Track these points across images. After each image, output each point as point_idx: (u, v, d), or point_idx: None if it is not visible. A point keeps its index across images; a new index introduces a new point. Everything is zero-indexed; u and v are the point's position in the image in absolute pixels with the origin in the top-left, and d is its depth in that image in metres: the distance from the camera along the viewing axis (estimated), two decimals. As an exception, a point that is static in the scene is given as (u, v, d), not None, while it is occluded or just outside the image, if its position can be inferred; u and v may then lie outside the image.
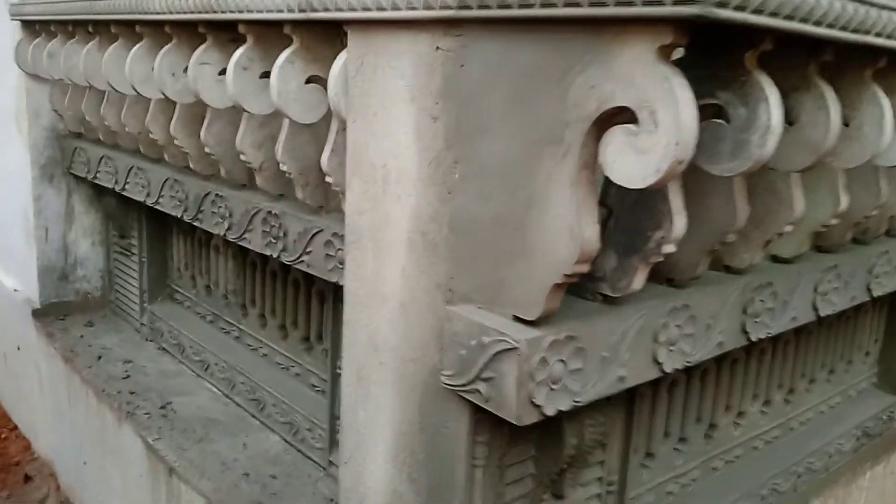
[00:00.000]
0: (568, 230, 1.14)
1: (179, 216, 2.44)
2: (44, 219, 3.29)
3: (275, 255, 1.98)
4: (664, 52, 1.02)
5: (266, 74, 1.80)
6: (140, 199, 2.68)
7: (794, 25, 1.09)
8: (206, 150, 2.19)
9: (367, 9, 1.38)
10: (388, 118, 1.40)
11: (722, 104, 1.20)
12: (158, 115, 2.43)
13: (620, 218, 1.33)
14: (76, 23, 2.76)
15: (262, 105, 1.86)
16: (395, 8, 1.32)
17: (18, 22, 3.16)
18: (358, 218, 1.51)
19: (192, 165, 2.36)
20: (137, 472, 2.50)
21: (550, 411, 1.22)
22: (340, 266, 1.68)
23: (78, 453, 3.06)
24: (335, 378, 2.13)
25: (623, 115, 1.06)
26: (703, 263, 1.49)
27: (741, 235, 1.49)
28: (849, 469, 2.39)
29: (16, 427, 3.82)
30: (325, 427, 2.18)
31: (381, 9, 1.35)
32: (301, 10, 1.56)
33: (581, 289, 1.36)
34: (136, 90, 2.35)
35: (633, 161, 1.04)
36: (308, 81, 1.73)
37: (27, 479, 3.44)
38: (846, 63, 1.39)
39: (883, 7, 1.24)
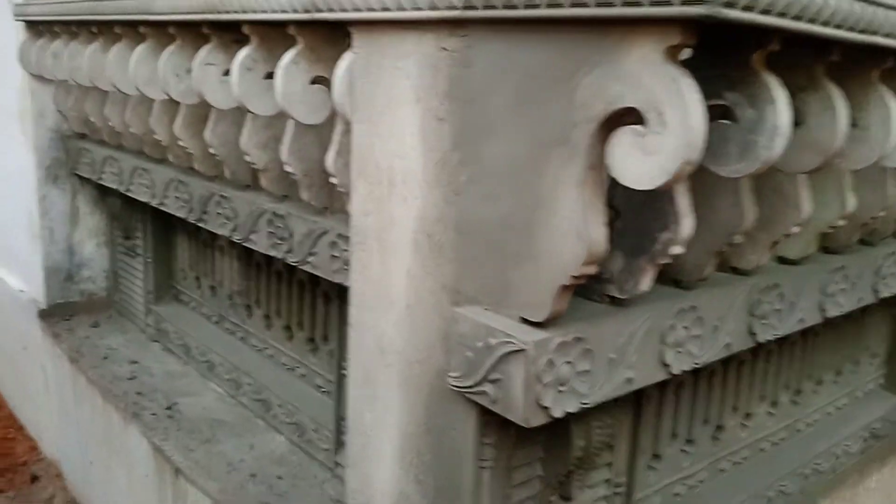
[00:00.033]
0: (575, 231, 1.13)
1: (184, 217, 2.44)
2: (49, 220, 3.29)
3: (280, 257, 1.98)
4: (672, 53, 1.01)
5: (270, 75, 1.79)
6: (145, 199, 2.68)
7: (802, 26, 1.08)
8: (211, 150, 2.19)
9: (371, 9, 1.37)
10: (394, 119, 1.40)
11: (729, 105, 1.19)
12: (162, 115, 2.43)
13: (627, 219, 1.32)
14: (80, 23, 2.76)
15: (267, 106, 1.86)
16: (401, 8, 1.32)
17: (22, 22, 3.16)
18: (363, 219, 1.50)
19: (196, 166, 2.35)
20: (144, 473, 2.50)
21: (558, 413, 1.22)
22: (346, 267, 1.67)
23: (84, 453, 3.06)
24: (341, 379, 2.13)
25: (630, 116, 1.05)
26: (710, 265, 1.48)
27: (748, 237, 1.49)
28: (856, 471, 2.38)
29: (22, 427, 3.83)
30: (331, 428, 2.17)
31: (386, 9, 1.34)
32: (306, 11, 1.56)
33: (588, 290, 1.36)
34: (140, 91, 2.35)
35: (640, 162, 1.04)
36: (313, 82, 1.73)
37: (34, 479, 3.45)
38: (853, 64, 1.38)
39: (890, 8, 1.24)
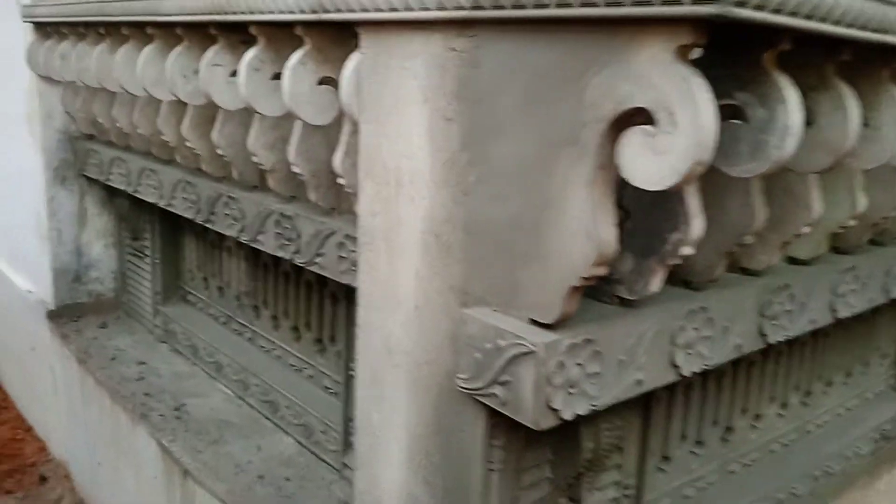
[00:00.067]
0: (585, 232, 1.13)
1: (192, 218, 2.44)
2: (57, 221, 3.30)
3: (287, 258, 1.98)
4: (682, 52, 1.00)
5: (278, 76, 1.79)
6: (153, 200, 2.68)
7: (814, 25, 1.07)
8: (218, 151, 2.19)
9: (379, 10, 1.37)
10: (402, 119, 1.39)
11: (740, 105, 1.18)
12: (170, 116, 2.43)
13: (637, 220, 1.31)
14: (88, 24, 2.77)
15: (274, 106, 1.85)
16: (408, 9, 1.31)
17: (30, 24, 3.17)
18: (371, 219, 1.50)
19: (204, 167, 2.35)
20: (152, 474, 2.50)
21: (568, 415, 1.21)
22: (353, 268, 1.67)
23: (92, 454, 3.07)
24: (349, 380, 2.12)
25: (640, 116, 1.04)
26: (720, 265, 1.47)
27: (758, 237, 1.47)
28: (866, 472, 2.36)
29: (31, 428, 3.84)
30: (339, 429, 2.17)
31: (394, 9, 1.34)
32: (313, 12, 1.56)
33: (597, 291, 1.35)
34: (147, 92, 2.36)
35: (651, 163, 1.03)
36: (320, 83, 1.73)
37: (42, 479, 3.46)
38: (865, 63, 1.37)
39: (903, 6, 1.23)
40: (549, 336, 1.18)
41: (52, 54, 2.99)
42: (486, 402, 1.27)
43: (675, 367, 1.40)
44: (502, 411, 1.24)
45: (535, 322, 1.22)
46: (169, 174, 2.55)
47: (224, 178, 2.32)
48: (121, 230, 3.42)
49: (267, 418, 2.49)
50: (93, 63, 2.66)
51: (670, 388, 1.76)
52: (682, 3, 0.96)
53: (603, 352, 1.25)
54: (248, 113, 2.00)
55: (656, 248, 1.29)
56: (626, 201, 1.33)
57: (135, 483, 2.68)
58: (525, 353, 1.18)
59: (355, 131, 1.56)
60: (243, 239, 2.16)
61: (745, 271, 1.60)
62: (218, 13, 1.89)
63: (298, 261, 1.94)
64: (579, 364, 1.21)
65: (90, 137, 3.18)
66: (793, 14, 1.03)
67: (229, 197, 2.21)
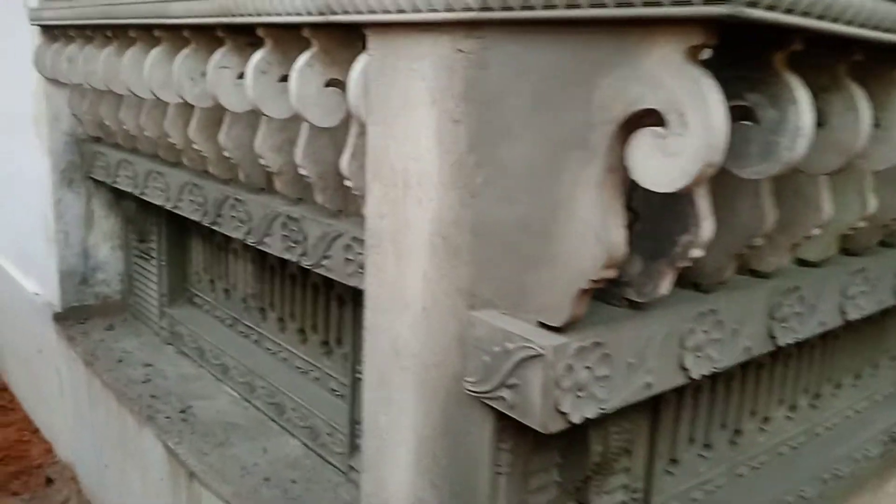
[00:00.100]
0: (594, 234, 1.12)
1: (199, 220, 2.44)
2: (64, 223, 3.30)
3: (294, 260, 1.97)
4: (693, 53, 0.99)
5: (285, 78, 1.79)
6: (159, 203, 2.68)
7: (826, 25, 1.07)
8: (225, 154, 2.19)
9: (386, 11, 1.37)
10: (409, 121, 1.39)
11: (751, 106, 1.17)
12: (177, 119, 2.43)
13: (646, 222, 1.30)
14: (95, 27, 2.77)
15: (281, 109, 1.85)
16: (416, 10, 1.30)
17: (38, 27, 3.17)
18: (378, 221, 1.49)
19: (210, 169, 2.35)
20: (158, 476, 2.50)
21: (576, 419, 1.20)
22: (360, 270, 1.67)
23: (99, 456, 3.07)
24: (355, 382, 2.12)
25: (651, 118, 1.04)
26: (729, 267, 1.46)
27: (768, 239, 1.47)
28: (876, 475, 2.35)
29: (37, 430, 3.85)
30: (346, 432, 2.17)
31: (402, 11, 1.33)
32: (320, 13, 1.55)
33: (606, 293, 1.34)
34: (154, 94, 2.36)
35: (661, 164, 1.02)
36: (327, 85, 1.72)
37: (49, 481, 3.46)
38: (875, 63, 1.36)
39: (916, 6, 1.22)
40: (558, 339, 1.18)
41: (59, 57, 3.00)
42: (494, 406, 1.26)
43: (685, 369, 1.39)
44: (510, 414, 1.24)
45: (543, 325, 1.21)
46: (176, 176, 2.55)
47: (231, 181, 2.32)
48: (128, 232, 3.42)
49: (273, 420, 2.48)
50: (100, 66, 2.66)
51: (678, 391, 1.75)
52: (692, 4, 0.95)
53: (612, 354, 1.24)
54: (255, 115, 2.00)
55: (666, 250, 1.28)
56: (635, 203, 1.33)
57: (141, 485, 2.68)
58: (533, 356, 1.17)
59: (363, 133, 1.55)
60: (250, 241, 2.16)
61: (755, 273, 1.59)
62: (225, 15, 1.88)
63: (305, 263, 1.93)
64: (588, 367, 1.21)
65: (97, 140, 3.19)
66: (805, 14, 1.02)
67: (236, 199, 2.20)
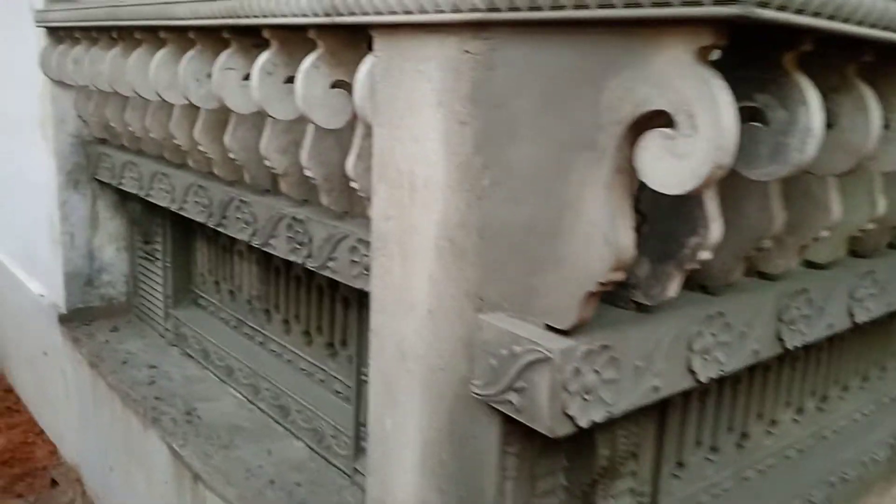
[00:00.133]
0: (602, 237, 1.11)
1: (204, 222, 2.43)
2: (69, 225, 3.31)
3: (299, 262, 1.97)
4: (702, 54, 0.98)
5: (290, 79, 1.79)
6: (165, 204, 2.68)
7: (837, 25, 1.06)
8: (231, 155, 2.19)
9: (393, 12, 1.36)
10: (415, 123, 1.38)
11: (760, 107, 1.16)
12: (182, 120, 2.43)
13: (654, 224, 1.30)
14: (100, 29, 2.77)
15: (287, 110, 1.85)
16: (422, 11, 1.30)
17: (43, 29, 3.18)
18: (384, 224, 1.49)
19: (216, 171, 2.35)
20: (163, 479, 2.50)
21: (584, 423, 1.19)
22: (366, 272, 1.66)
23: (104, 458, 3.07)
24: (360, 384, 2.11)
25: (660, 119, 1.03)
26: (737, 270, 1.45)
27: (776, 241, 1.46)
28: (883, 478, 2.33)
29: (42, 432, 3.85)
30: (350, 434, 2.16)
31: (408, 12, 1.33)
32: (326, 15, 1.55)
33: (614, 296, 1.34)
34: (160, 96, 2.36)
35: (670, 166, 1.01)
36: (333, 86, 1.72)
37: (53, 483, 3.46)
38: (886, 64, 1.35)
39: (927, 6, 1.21)
40: (565, 342, 1.17)
41: (64, 59, 3.00)
42: (501, 409, 1.26)
43: (692, 373, 1.38)
44: (517, 418, 1.23)
45: (550, 328, 1.21)
46: (181, 178, 2.55)
47: (236, 182, 2.32)
48: (133, 234, 3.42)
49: (278, 423, 2.48)
50: (105, 67, 2.67)
51: (685, 394, 1.74)
52: (702, 4, 0.94)
53: (619, 358, 1.23)
54: (260, 117, 2.00)
55: (674, 252, 1.27)
56: (643, 205, 1.32)
57: (146, 487, 2.68)
58: (541, 360, 1.16)
59: (368, 135, 1.55)
60: (255, 243, 2.16)
61: (763, 276, 1.58)
62: (231, 17, 1.88)
63: (310, 265, 1.93)
64: (596, 370, 1.20)
65: (103, 141, 3.19)
66: (816, 14, 1.01)
67: (241, 201, 2.20)
